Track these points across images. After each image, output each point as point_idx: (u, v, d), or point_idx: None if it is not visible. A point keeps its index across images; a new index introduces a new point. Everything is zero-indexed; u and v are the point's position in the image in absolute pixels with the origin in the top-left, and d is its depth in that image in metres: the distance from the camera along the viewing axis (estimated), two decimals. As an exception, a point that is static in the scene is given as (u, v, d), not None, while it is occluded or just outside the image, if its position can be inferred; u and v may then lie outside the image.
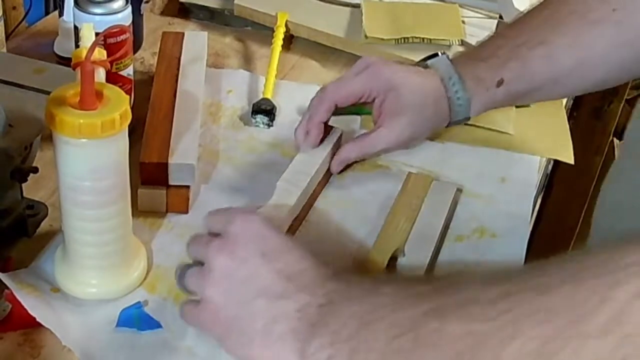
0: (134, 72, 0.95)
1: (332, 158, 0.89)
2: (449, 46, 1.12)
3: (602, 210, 1.87)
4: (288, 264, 0.62)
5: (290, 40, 1.16)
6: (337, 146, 0.90)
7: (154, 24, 1.18)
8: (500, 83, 0.86)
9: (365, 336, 0.55)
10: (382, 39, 1.12)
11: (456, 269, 0.79)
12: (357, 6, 1.19)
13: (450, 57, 0.90)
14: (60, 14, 1.08)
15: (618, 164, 1.83)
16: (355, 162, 0.92)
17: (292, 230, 0.81)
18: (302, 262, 0.63)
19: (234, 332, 0.61)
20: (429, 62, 0.91)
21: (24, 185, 0.78)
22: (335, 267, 0.64)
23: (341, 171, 0.91)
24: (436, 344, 0.52)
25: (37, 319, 0.69)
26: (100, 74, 0.76)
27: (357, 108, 0.95)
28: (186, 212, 0.84)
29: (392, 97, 0.87)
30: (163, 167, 0.82)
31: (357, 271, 0.78)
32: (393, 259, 0.79)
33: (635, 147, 1.84)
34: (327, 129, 0.90)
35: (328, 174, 0.89)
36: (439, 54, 0.92)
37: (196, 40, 1.05)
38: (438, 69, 0.89)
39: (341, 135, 0.91)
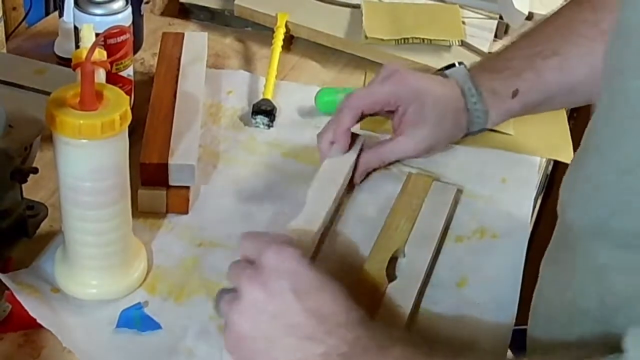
0: (134, 72, 0.95)
1: (355, 165, 0.88)
2: (449, 47, 1.12)
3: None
4: (319, 303, 0.63)
5: (290, 40, 1.16)
6: (360, 153, 0.89)
7: (154, 24, 1.18)
8: (515, 94, 0.87)
9: None
10: (382, 40, 1.12)
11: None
12: (357, 7, 1.18)
13: (467, 67, 0.91)
14: (61, 15, 1.08)
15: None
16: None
17: (320, 241, 0.81)
18: (334, 303, 0.63)
19: None
20: (447, 72, 0.91)
21: (24, 185, 0.78)
22: (358, 308, 0.64)
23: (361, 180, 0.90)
24: None
25: (37, 320, 0.69)
26: (101, 75, 0.76)
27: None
28: (186, 212, 0.84)
29: (416, 107, 0.87)
30: (163, 168, 0.82)
31: (357, 273, 0.78)
32: (393, 259, 0.79)
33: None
34: (353, 137, 0.89)
35: (350, 182, 0.89)
36: (456, 64, 0.92)
37: (196, 41, 1.05)
38: (457, 80, 0.89)
39: (364, 142, 0.90)
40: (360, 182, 0.90)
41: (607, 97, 0.58)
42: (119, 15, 0.90)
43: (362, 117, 0.88)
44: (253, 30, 1.18)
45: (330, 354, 0.60)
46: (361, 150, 0.90)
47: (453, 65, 0.92)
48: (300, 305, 0.62)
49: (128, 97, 0.70)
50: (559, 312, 0.66)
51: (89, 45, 0.79)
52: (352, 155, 0.88)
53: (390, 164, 0.92)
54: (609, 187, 0.57)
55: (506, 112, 0.90)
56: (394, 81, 0.88)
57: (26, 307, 0.69)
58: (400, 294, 0.75)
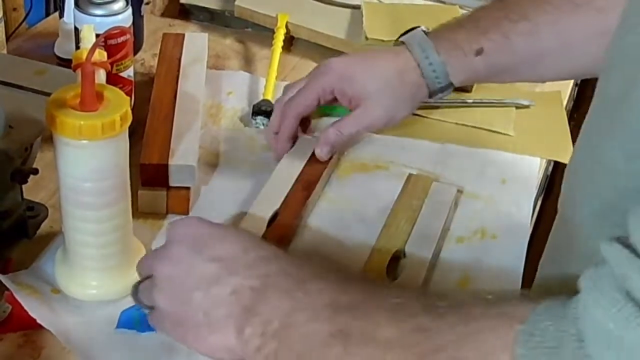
0: (135, 73, 0.95)
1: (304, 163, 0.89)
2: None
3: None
4: (218, 249, 0.64)
5: (290, 41, 1.16)
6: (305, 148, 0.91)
7: (155, 25, 1.18)
8: (479, 52, 0.86)
9: (285, 339, 0.58)
10: (383, 41, 1.12)
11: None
12: (357, 7, 1.19)
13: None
14: (61, 16, 1.08)
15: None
16: (336, 159, 0.92)
17: (289, 234, 0.81)
18: (231, 245, 0.64)
19: (187, 330, 0.63)
20: (402, 38, 0.91)
21: (24, 186, 0.78)
22: (274, 249, 0.65)
23: (330, 158, 0.90)
24: None
25: (38, 321, 0.69)
26: (101, 76, 0.76)
27: (334, 108, 0.96)
28: (186, 213, 0.84)
29: (348, 86, 0.88)
30: (163, 169, 0.82)
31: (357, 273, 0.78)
32: (394, 260, 0.79)
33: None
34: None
35: (315, 175, 0.88)
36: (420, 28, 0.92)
37: (196, 42, 1.05)
38: (408, 40, 0.89)
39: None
40: (328, 158, 0.90)
41: (620, 82, 0.57)
42: (119, 16, 0.90)
43: (302, 119, 0.91)
44: (253, 31, 1.18)
45: (240, 291, 0.60)
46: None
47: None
48: (199, 258, 0.63)
49: (128, 98, 0.70)
50: None
51: (89, 46, 0.79)
52: (304, 155, 0.89)
53: (354, 140, 0.93)
54: (618, 171, 0.56)
55: (469, 69, 0.88)
56: (316, 74, 0.90)
57: (26, 308, 0.69)
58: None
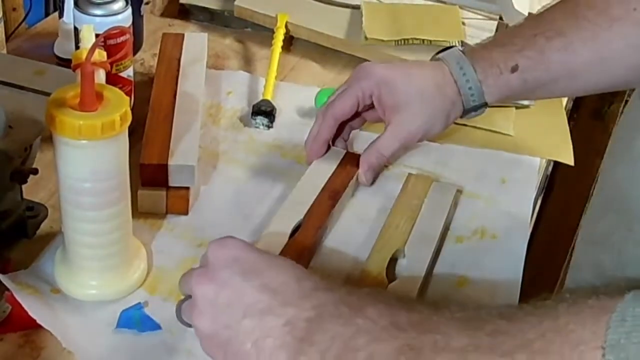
0: (134, 73, 0.95)
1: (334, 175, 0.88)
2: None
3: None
4: (269, 278, 0.62)
5: (290, 41, 1.16)
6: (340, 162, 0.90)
7: (154, 25, 1.18)
8: (514, 69, 0.85)
9: None
10: (382, 40, 1.12)
11: (447, 283, 0.78)
12: (357, 7, 1.19)
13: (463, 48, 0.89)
14: (60, 16, 1.08)
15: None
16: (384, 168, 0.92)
17: (312, 247, 0.80)
18: (283, 275, 0.62)
19: (230, 354, 0.61)
20: (440, 55, 0.90)
21: (23, 186, 0.78)
22: (321, 277, 0.64)
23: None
24: None
25: (37, 321, 0.68)
26: (101, 75, 0.76)
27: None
28: (186, 213, 0.84)
29: (387, 91, 0.87)
30: (163, 169, 0.82)
31: (357, 274, 0.78)
32: (393, 259, 0.79)
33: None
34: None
35: (339, 191, 0.87)
36: (456, 44, 0.90)
37: (196, 42, 1.05)
38: (446, 57, 0.88)
39: (347, 152, 0.91)
40: (371, 183, 0.90)
41: None
42: (119, 16, 0.90)
43: (339, 124, 0.90)
44: (253, 31, 1.19)
45: (295, 322, 0.59)
46: (346, 154, 0.90)
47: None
48: (249, 285, 0.61)
49: (128, 98, 0.70)
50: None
51: (89, 46, 0.79)
52: (332, 165, 0.88)
53: (391, 162, 0.92)
54: None
55: (504, 86, 0.87)
56: (356, 78, 0.89)
57: (26, 308, 0.69)
58: (400, 294, 0.75)
